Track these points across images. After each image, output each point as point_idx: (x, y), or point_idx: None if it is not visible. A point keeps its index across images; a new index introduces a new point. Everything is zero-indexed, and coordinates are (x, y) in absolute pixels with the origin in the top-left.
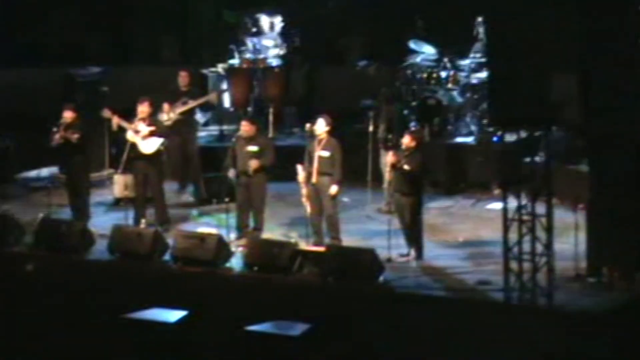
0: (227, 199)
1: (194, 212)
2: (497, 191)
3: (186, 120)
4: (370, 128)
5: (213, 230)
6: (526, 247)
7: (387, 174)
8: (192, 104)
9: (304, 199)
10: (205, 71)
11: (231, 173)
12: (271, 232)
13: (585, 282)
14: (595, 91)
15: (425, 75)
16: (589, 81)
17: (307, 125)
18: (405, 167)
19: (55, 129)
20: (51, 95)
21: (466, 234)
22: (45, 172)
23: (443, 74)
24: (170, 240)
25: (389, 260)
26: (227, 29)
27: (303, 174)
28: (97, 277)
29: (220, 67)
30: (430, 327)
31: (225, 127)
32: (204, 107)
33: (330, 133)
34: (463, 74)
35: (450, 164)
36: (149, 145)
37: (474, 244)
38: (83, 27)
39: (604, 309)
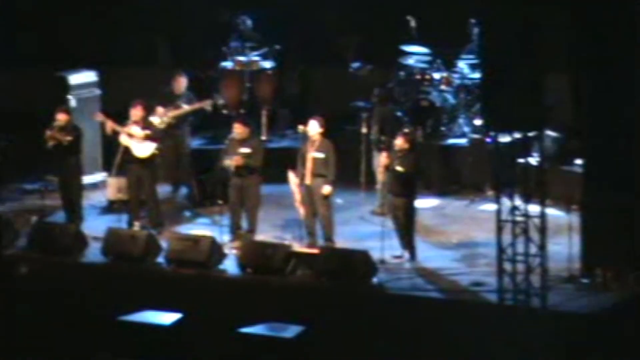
0: (220, 201)
1: (187, 214)
2: (490, 192)
3: (179, 124)
4: (364, 129)
5: (206, 232)
6: (520, 248)
7: (380, 175)
8: (186, 108)
9: (297, 204)
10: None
11: (223, 171)
12: (265, 234)
13: (578, 283)
14: (588, 92)
15: (418, 76)
16: (583, 82)
17: (300, 127)
18: (399, 168)
19: (48, 131)
20: (44, 98)
21: (459, 235)
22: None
23: (436, 75)
24: (163, 243)
25: (383, 261)
26: (220, 30)
27: (295, 180)
28: (90, 279)
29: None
30: (424, 328)
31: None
32: (198, 113)
33: (323, 134)
34: (456, 75)
35: (443, 165)
36: (143, 149)
37: (468, 245)
38: (76, 29)
39: (598, 309)
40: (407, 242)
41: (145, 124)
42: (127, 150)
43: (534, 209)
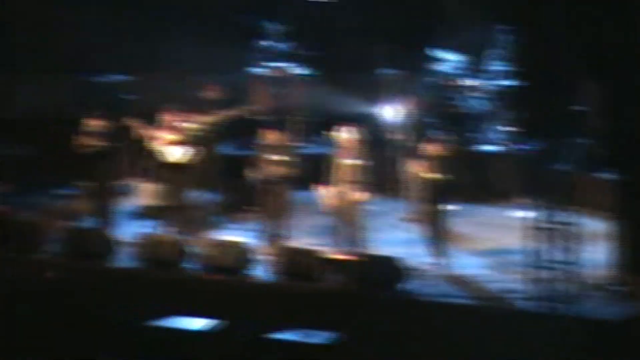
0: (252, 207)
1: (219, 219)
2: (521, 199)
3: (212, 130)
4: (397, 136)
5: (238, 238)
6: (550, 255)
7: (412, 183)
8: (220, 115)
9: (327, 210)
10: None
11: (254, 178)
12: (296, 240)
13: (608, 291)
14: (621, 98)
15: (450, 83)
16: (615, 88)
17: (332, 134)
18: (431, 175)
19: (81, 137)
20: (76, 103)
21: (491, 242)
22: None
23: (468, 81)
24: (195, 248)
25: (414, 268)
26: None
27: (327, 194)
28: (122, 285)
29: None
30: (455, 335)
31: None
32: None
33: (355, 141)
34: (488, 82)
35: (474, 172)
36: (175, 154)
37: (499, 252)
38: (109, 34)
39: (629, 317)
40: (438, 249)
41: (178, 129)
42: (159, 155)
43: (564, 216)
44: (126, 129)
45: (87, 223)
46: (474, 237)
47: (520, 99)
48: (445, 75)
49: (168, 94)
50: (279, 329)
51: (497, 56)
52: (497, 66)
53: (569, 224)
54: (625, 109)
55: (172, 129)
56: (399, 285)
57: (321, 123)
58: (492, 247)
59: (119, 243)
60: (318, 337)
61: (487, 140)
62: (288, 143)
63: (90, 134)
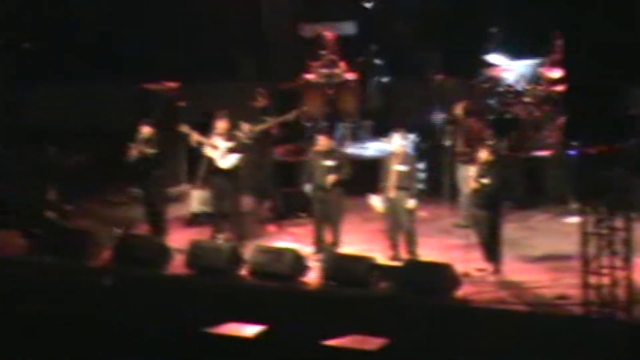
0: (304, 214)
1: (271, 226)
2: (574, 205)
3: (263, 136)
4: (448, 142)
5: (290, 245)
6: (605, 261)
7: (465, 188)
8: (270, 121)
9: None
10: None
11: (307, 188)
12: (348, 246)
13: None
14: None
15: (502, 88)
16: None
17: (384, 140)
18: (483, 181)
19: (132, 144)
20: (128, 111)
21: (544, 247)
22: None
23: (520, 86)
24: (247, 255)
25: (467, 274)
26: (303, 42)
27: (380, 204)
28: (174, 292)
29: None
30: (508, 341)
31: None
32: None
33: (406, 147)
34: (540, 87)
35: (527, 178)
36: (227, 161)
37: (553, 257)
38: (159, 42)
39: None
40: (491, 254)
41: (229, 136)
42: (211, 162)
43: (619, 221)
44: (178, 136)
45: (140, 230)
46: (526, 242)
47: (573, 104)
48: (499, 80)
49: (220, 101)
50: (330, 335)
51: (550, 62)
52: (549, 71)
53: (622, 229)
54: None
55: (224, 135)
56: (450, 292)
57: (377, 129)
58: (545, 252)
59: (170, 250)
60: (371, 344)
61: (541, 146)
62: (340, 149)
63: (142, 141)
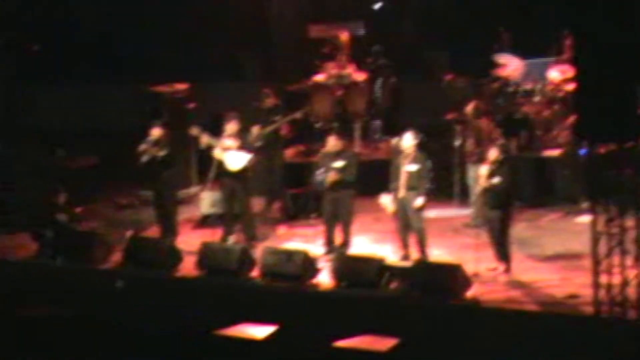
0: (314, 215)
1: (281, 227)
2: (585, 204)
3: (273, 137)
4: (457, 142)
5: (300, 246)
6: (616, 260)
7: (475, 188)
8: (279, 121)
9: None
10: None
11: (316, 184)
12: (358, 247)
13: None
14: None
15: (512, 88)
16: None
17: (394, 140)
18: (493, 180)
19: (142, 146)
20: (136, 113)
21: (555, 247)
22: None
23: (529, 86)
24: (257, 256)
25: (477, 274)
26: (310, 43)
27: (389, 204)
28: (185, 293)
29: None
30: (519, 341)
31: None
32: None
33: (416, 147)
34: (549, 86)
35: (537, 178)
36: (236, 162)
37: (563, 257)
38: (160, 42)
39: None
40: (502, 254)
41: (239, 137)
42: (220, 163)
43: (629, 220)
44: (188, 138)
45: (150, 232)
46: (537, 241)
47: (583, 103)
48: (508, 80)
49: (224, 102)
50: (341, 336)
51: (558, 60)
52: (558, 70)
53: (632, 228)
54: None
55: (235, 137)
56: (461, 292)
57: (387, 129)
58: (555, 252)
59: (180, 252)
60: (381, 345)
61: (551, 145)
62: (350, 149)
63: (152, 143)
